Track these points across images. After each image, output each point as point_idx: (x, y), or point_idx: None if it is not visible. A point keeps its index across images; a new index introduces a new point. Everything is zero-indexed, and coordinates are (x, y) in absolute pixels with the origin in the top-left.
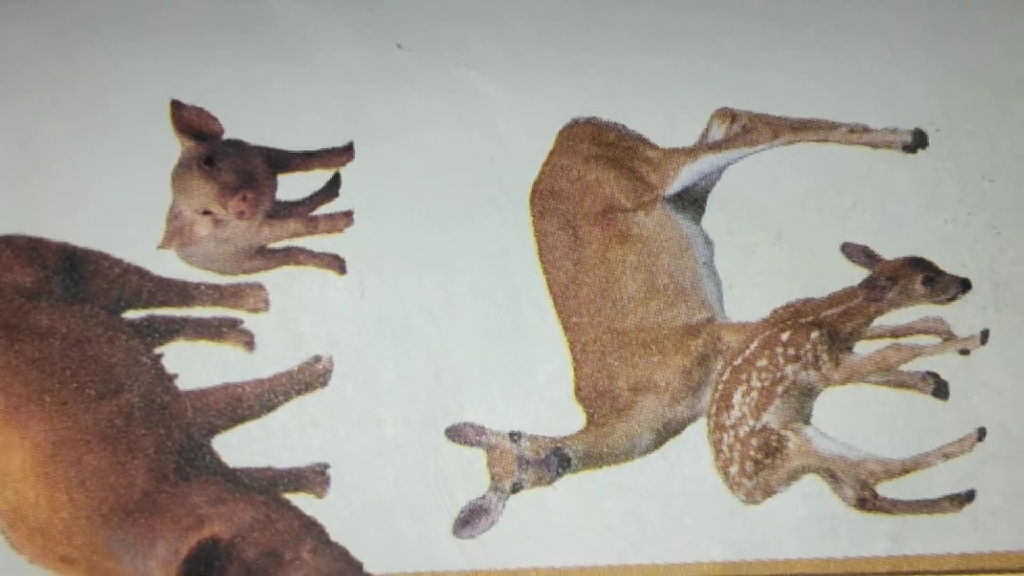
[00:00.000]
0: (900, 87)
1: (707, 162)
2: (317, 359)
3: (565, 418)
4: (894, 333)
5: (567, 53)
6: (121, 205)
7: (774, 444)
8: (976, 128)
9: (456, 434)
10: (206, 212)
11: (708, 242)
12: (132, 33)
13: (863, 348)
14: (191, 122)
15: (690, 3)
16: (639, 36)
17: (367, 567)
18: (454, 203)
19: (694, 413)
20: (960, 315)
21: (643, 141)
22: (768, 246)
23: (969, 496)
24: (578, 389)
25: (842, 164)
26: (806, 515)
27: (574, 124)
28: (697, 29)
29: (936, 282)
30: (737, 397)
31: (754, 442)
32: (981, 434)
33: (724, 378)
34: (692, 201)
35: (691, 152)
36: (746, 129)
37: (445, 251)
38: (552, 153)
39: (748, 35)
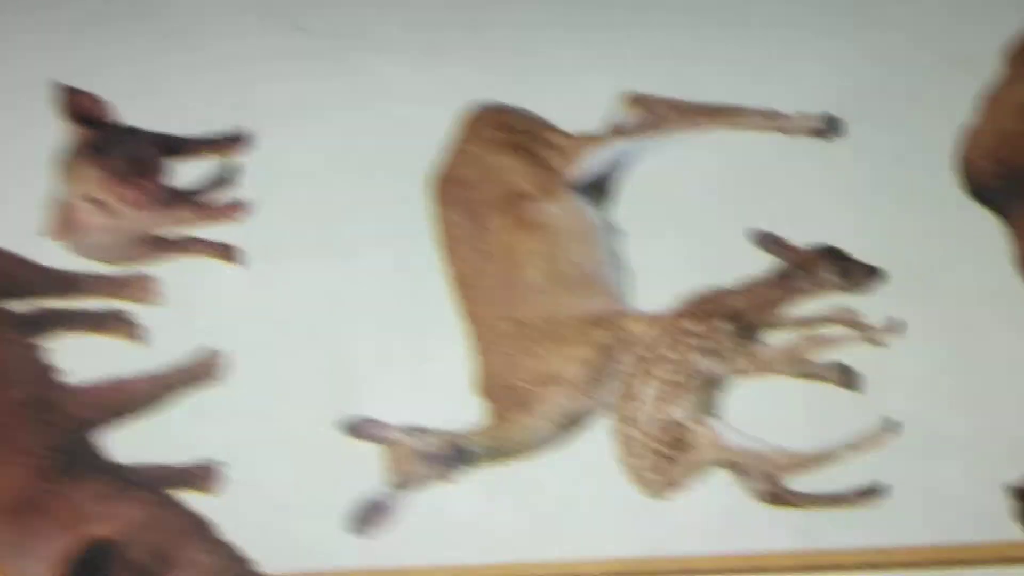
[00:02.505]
0: (812, 73)
1: (615, 148)
2: (210, 352)
3: (466, 412)
4: (804, 323)
5: (470, 36)
6: (2, 193)
7: (680, 437)
8: (889, 115)
9: (354, 428)
10: (94, 199)
11: (614, 230)
12: (19, 20)
13: (773, 338)
14: (80, 107)
15: None
16: (546, 20)
17: (263, 565)
18: (353, 190)
19: (598, 405)
20: (872, 305)
21: (549, 127)
22: (676, 234)
23: (879, 490)
24: (480, 381)
25: (753, 151)
26: (713, 509)
27: (479, 110)
28: (606, 13)
29: (848, 272)
30: (643, 389)
31: (660, 435)
32: (892, 427)
33: (630, 369)
34: (599, 188)
35: (598, 138)
36: (656, 115)
37: (344, 240)
38: (456, 140)
39: (659, 19)
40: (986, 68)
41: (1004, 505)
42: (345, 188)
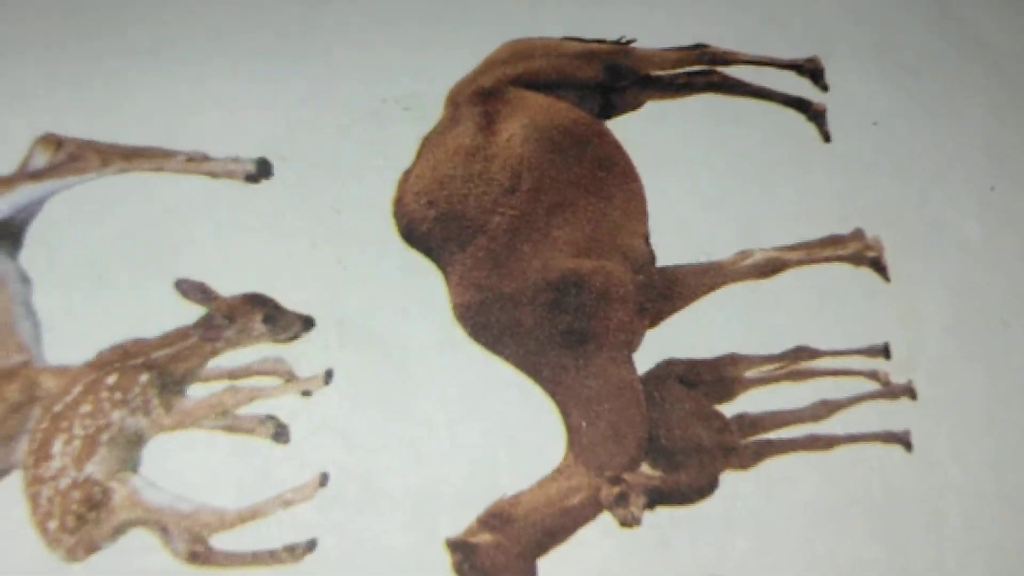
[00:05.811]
0: (246, 112)
1: (26, 192)
2: None
3: None
4: (232, 375)
5: None
6: None
7: (98, 496)
8: (323, 157)
9: None
10: None
11: (25, 279)
12: None
13: (198, 390)
14: None
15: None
16: None
17: None
18: None
19: (8, 465)
20: (304, 353)
21: None
22: (93, 283)
23: (310, 545)
24: None
25: (179, 195)
26: (133, 572)
27: None
28: (23, 47)
29: (277, 320)
30: (57, 446)
31: (76, 494)
32: (323, 479)
33: (43, 426)
34: (9, 234)
35: (8, 181)
36: (73, 157)
37: None
38: None
39: (81, 54)
40: (430, 111)
41: (443, 558)
42: None
